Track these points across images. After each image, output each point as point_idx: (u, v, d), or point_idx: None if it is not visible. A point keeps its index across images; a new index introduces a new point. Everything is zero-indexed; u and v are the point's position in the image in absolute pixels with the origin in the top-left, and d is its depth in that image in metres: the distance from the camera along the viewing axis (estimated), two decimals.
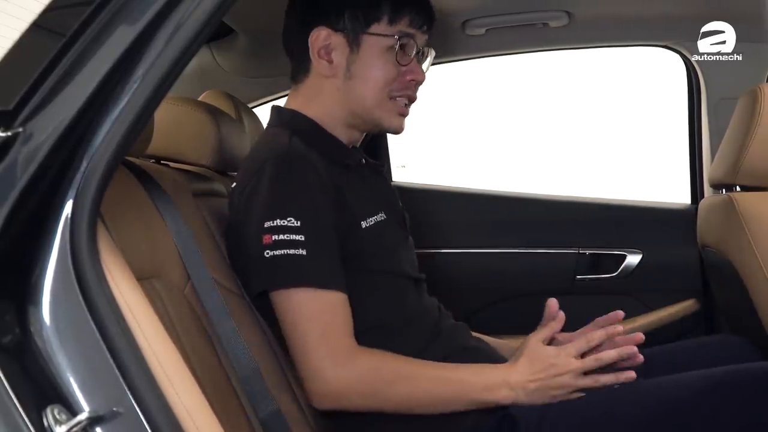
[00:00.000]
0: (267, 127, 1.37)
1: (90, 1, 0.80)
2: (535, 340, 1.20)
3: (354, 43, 1.27)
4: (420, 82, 1.32)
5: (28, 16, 0.81)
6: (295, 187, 1.18)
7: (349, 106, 1.30)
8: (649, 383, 1.21)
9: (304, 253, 1.14)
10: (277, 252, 1.15)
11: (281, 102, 1.41)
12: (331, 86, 1.30)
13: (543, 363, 1.16)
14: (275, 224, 1.15)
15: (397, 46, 1.27)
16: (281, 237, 1.14)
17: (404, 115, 1.33)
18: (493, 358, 1.32)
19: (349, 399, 1.16)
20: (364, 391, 1.16)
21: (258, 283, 1.20)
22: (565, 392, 1.16)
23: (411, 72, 1.30)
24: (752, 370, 1.17)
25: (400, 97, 1.31)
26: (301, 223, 1.15)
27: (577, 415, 1.17)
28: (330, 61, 1.28)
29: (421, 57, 1.33)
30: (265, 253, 1.15)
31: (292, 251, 1.14)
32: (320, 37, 1.28)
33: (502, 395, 1.16)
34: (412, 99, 1.33)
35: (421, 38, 1.31)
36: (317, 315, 1.15)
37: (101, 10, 0.80)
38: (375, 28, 1.27)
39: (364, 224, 1.24)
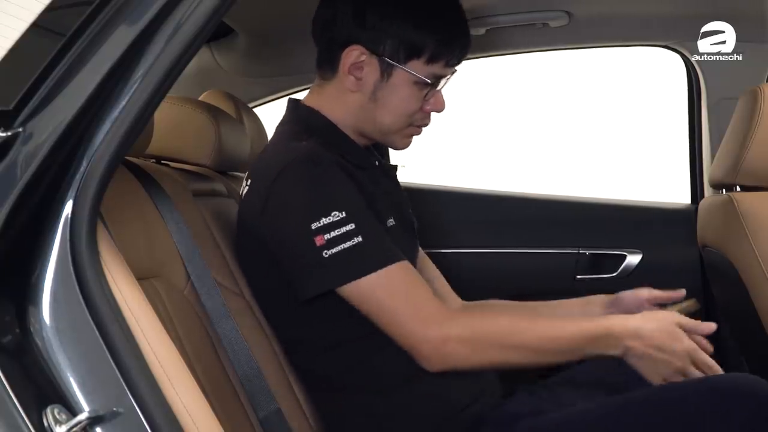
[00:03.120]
0: (282, 123, 1.35)
1: (90, 1, 0.80)
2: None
3: (386, 72, 1.25)
4: (440, 111, 1.31)
5: (28, 16, 0.81)
6: (326, 183, 1.18)
7: (366, 123, 1.30)
8: (619, 398, 1.19)
9: (361, 239, 1.14)
10: (336, 249, 1.14)
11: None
12: (354, 99, 1.28)
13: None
14: (322, 224, 1.14)
15: (427, 86, 1.26)
16: (334, 234, 1.14)
17: (415, 135, 1.34)
18: None
19: (455, 356, 1.16)
20: (467, 347, 1.16)
21: (322, 283, 1.17)
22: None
23: (435, 105, 1.29)
24: (708, 384, 1.14)
25: (420, 125, 1.32)
26: (346, 213, 1.15)
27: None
28: (359, 78, 1.26)
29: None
30: (324, 254, 1.14)
31: (349, 243, 1.14)
32: (354, 55, 1.25)
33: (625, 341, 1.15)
34: (427, 125, 1.33)
35: (450, 71, 1.30)
36: (398, 289, 1.16)
37: (101, 10, 0.80)
38: (411, 65, 1.24)
39: (387, 224, 1.25)
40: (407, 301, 1.16)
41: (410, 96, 1.26)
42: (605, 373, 1.34)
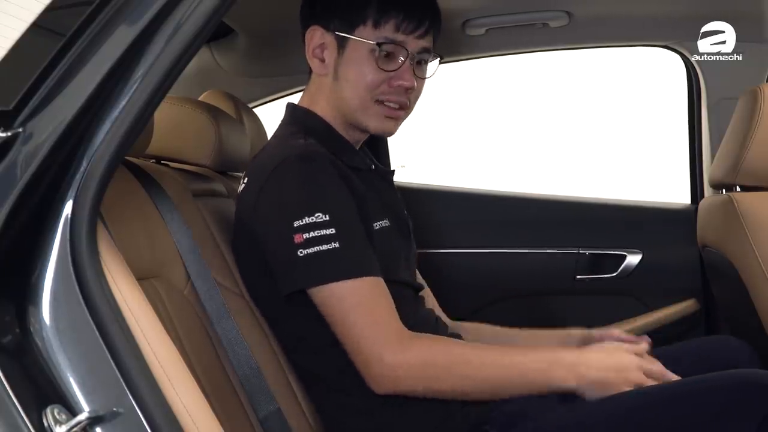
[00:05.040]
0: (281, 124, 1.37)
1: (90, 1, 0.81)
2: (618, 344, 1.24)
3: (341, 46, 1.28)
4: (409, 89, 1.28)
5: (28, 16, 0.81)
6: (319, 183, 1.18)
7: (340, 107, 1.30)
8: (622, 393, 1.18)
9: (338, 245, 1.14)
10: (311, 250, 1.14)
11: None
12: (326, 85, 1.31)
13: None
14: (304, 222, 1.15)
15: (377, 52, 1.26)
16: (312, 234, 1.14)
17: (393, 117, 1.31)
18: None
19: (406, 382, 1.16)
20: (420, 374, 1.15)
21: (293, 282, 1.18)
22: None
23: (398, 77, 1.27)
24: (723, 379, 1.13)
25: (387, 102, 1.29)
26: (329, 217, 1.15)
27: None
28: (322, 60, 1.30)
29: (417, 63, 1.31)
30: (299, 253, 1.14)
31: (325, 247, 1.14)
32: (315, 36, 1.29)
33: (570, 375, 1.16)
34: (401, 104, 1.30)
35: (415, 43, 1.28)
36: (362, 303, 1.15)
37: (101, 10, 0.81)
38: (359, 31, 1.26)
39: (376, 226, 1.25)
40: (370, 317, 1.15)
41: (367, 68, 1.26)
42: None
